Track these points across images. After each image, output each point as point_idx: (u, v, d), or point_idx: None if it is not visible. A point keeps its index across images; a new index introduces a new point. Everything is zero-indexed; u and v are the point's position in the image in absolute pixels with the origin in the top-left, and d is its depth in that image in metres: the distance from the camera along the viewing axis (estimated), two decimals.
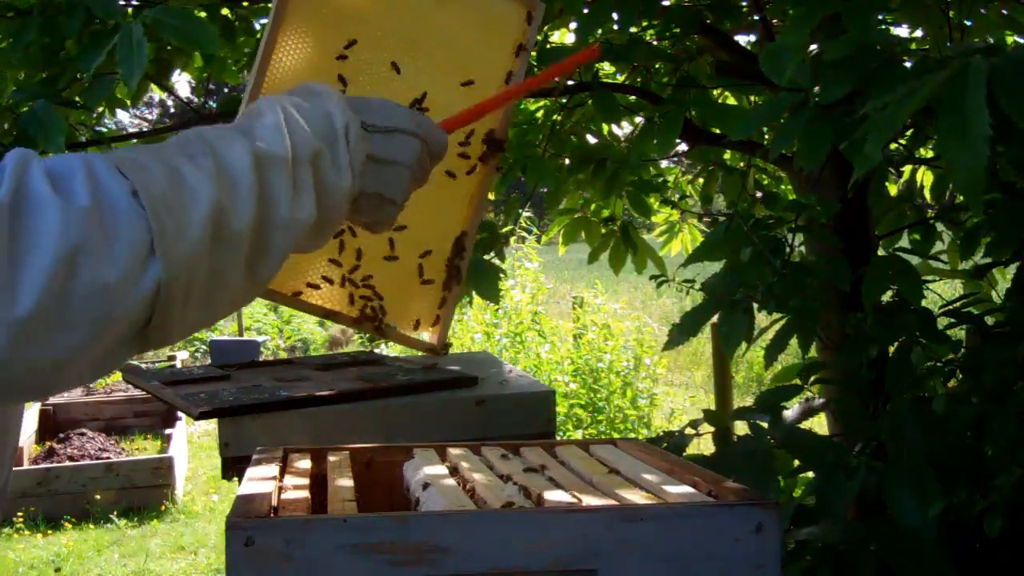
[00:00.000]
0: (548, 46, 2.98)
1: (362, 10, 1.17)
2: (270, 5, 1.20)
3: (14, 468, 5.72)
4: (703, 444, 1.99)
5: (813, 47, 1.71)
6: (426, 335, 1.20)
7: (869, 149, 1.30)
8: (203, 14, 2.59)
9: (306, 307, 1.11)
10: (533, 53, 2.77)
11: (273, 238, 0.82)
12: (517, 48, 1.25)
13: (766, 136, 2.93)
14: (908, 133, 2.20)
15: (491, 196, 3.58)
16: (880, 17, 2.27)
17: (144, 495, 5.67)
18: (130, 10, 1.98)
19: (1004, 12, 2.42)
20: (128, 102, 2.81)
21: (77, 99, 2.13)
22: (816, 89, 1.65)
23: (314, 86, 0.95)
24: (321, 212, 0.87)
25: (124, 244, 0.70)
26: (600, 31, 2.73)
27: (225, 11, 2.69)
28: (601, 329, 6.80)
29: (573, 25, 2.65)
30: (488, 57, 1.23)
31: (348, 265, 1.15)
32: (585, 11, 2.14)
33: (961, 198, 2.47)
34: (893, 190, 2.81)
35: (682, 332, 1.96)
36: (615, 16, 2.03)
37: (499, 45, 1.24)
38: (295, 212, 0.84)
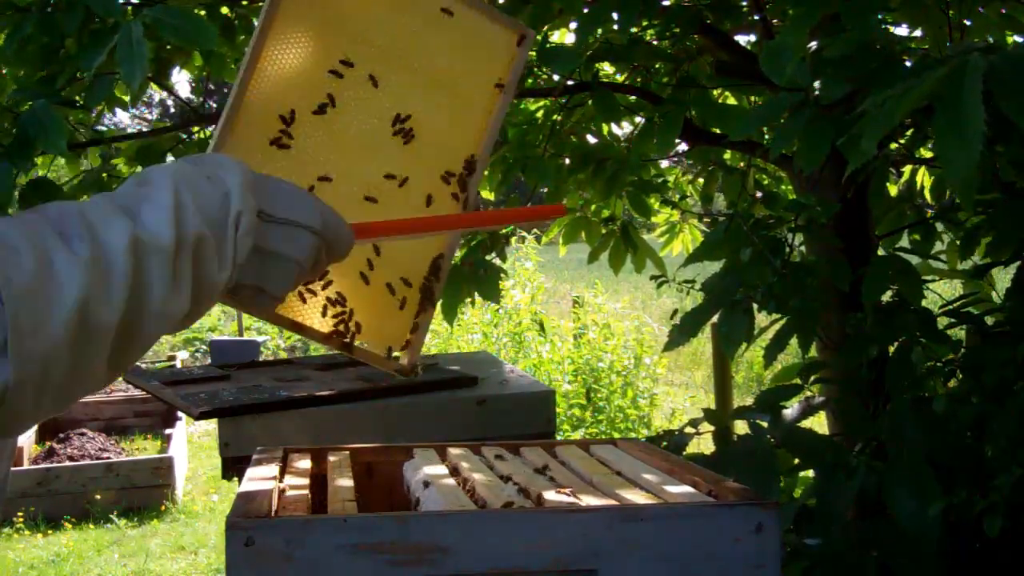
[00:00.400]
0: (548, 45, 2.98)
1: (352, 25, 1.16)
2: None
3: (14, 468, 5.69)
4: (703, 444, 1.99)
5: (813, 44, 1.71)
6: (397, 356, 1.18)
7: (865, 143, 1.30)
8: (202, 12, 2.59)
9: (272, 318, 1.08)
10: (532, 53, 2.78)
11: (141, 330, 0.78)
12: (498, 85, 1.24)
13: (766, 136, 2.92)
14: (908, 133, 2.20)
15: (491, 196, 3.59)
16: (880, 17, 2.27)
17: (144, 495, 5.66)
18: (129, 9, 1.97)
19: (1003, 11, 2.42)
20: (128, 101, 2.81)
21: (77, 99, 2.13)
22: (816, 86, 1.65)
23: (223, 160, 0.89)
24: (195, 303, 0.83)
25: None
26: (600, 31, 2.73)
27: (224, 10, 2.68)
28: (601, 329, 6.80)
29: (573, 25, 2.65)
30: (476, 81, 1.23)
31: (321, 279, 1.13)
32: (585, 11, 2.14)
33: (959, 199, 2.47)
34: (893, 190, 2.81)
35: (682, 333, 1.96)
36: (615, 16, 2.03)
37: (488, 69, 1.23)
38: (168, 305, 0.79)
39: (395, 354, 1.17)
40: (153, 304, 0.78)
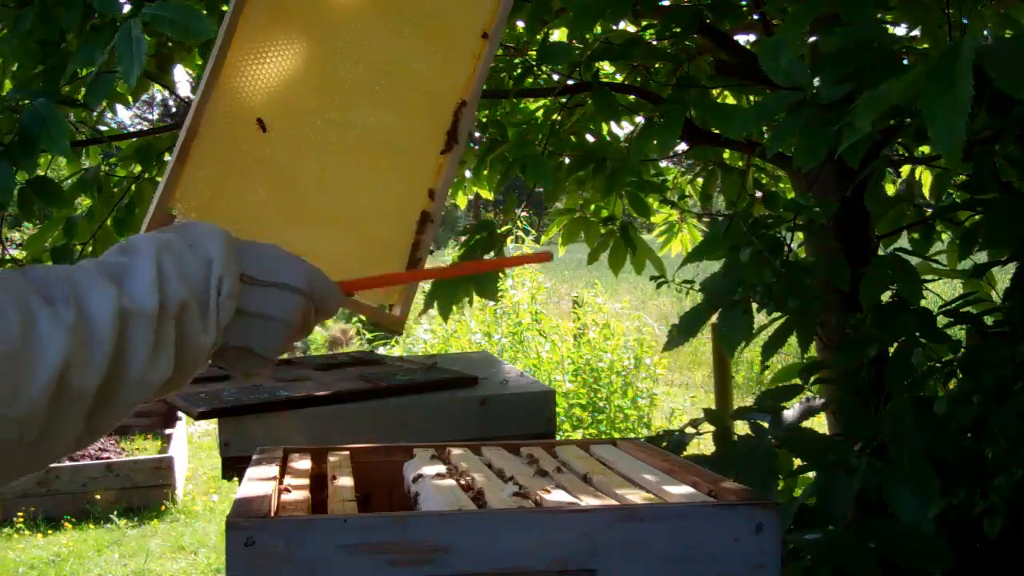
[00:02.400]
0: (548, 44, 2.98)
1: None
2: None
3: None
4: (703, 444, 1.99)
5: (812, 38, 1.71)
6: (389, 307, 1.19)
7: (859, 121, 1.31)
8: (203, 10, 2.59)
9: None
10: (532, 52, 2.78)
11: (120, 395, 0.79)
12: (483, 34, 1.25)
13: (766, 135, 2.93)
14: (908, 133, 2.20)
15: (490, 196, 3.59)
16: (879, 16, 2.27)
17: (144, 495, 5.67)
18: (129, 7, 1.97)
19: (1001, 11, 2.42)
20: (129, 99, 2.81)
21: (79, 98, 2.13)
22: (816, 83, 1.65)
23: (205, 228, 0.90)
24: (178, 368, 0.83)
25: None
26: (599, 29, 2.73)
27: (225, 8, 2.68)
28: (601, 329, 6.80)
29: None
30: (464, 29, 1.24)
31: None
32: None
33: (959, 197, 2.47)
34: (892, 190, 2.81)
35: (682, 333, 1.96)
36: (609, 12, 2.03)
37: (474, 18, 1.25)
38: (149, 372, 0.80)
39: (388, 305, 1.18)
40: (133, 370, 0.79)
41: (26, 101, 1.97)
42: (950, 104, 1.18)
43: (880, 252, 2.38)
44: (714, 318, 1.97)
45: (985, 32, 2.38)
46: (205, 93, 1.08)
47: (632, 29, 2.86)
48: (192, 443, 7.26)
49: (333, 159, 1.17)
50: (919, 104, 1.22)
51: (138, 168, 2.80)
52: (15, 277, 0.76)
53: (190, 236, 0.89)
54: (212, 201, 1.09)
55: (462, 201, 4.00)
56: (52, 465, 5.98)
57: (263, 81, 1.12)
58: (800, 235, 2.10)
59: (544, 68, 2.65)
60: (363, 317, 1.27)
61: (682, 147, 3.03)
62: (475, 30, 1.25)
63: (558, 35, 3.42)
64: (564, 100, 2.86)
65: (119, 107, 2.94)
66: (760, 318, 1.92)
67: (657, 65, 2.96)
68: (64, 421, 0.74)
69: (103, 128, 2.82)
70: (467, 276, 2.43)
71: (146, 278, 0.81)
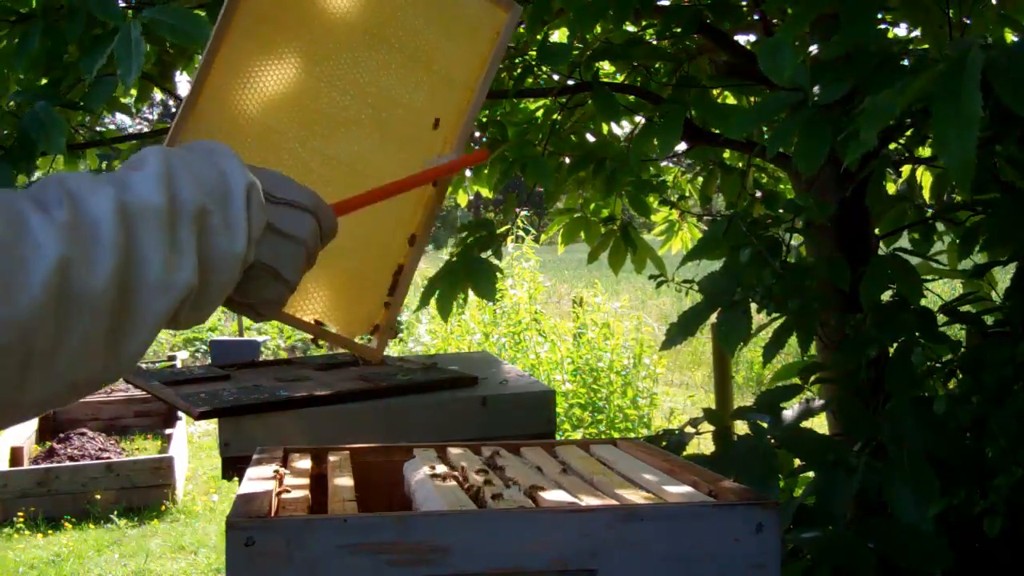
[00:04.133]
0: (548, 44, 2.98)
1: (322, 7, 1.14)
2: None
3: (14, 468, 5.69)
4: (703, 443, 1.99)
5: (813, 48, 1.71)
6: (368, 341, 1.17)
7: (864, 134, 1.31)
8: (203, 14, 2.59)
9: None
10: (532, 52, 2.78)
11: (141, 302, 0.71)
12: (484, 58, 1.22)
13: (766, 134, 2.93)
14: (908, 133, 2.20)
15: (490, 195, 3.59)
16: (879, 16, 2.27)
17: (144, 495, 5.67)
18: (130, 12, 1.97)
19: (1002, 12, 2.42)
20: (133, 108, 2.81)
21: (80, 101, 2.13)
22: (816, 89, 1.65)
23: (212, 144, 0.85)
24: (205, 278, 0.77)
25: None
26: (599, 29, 2.73)
27: None
28: (601, 329, 6.80)
29: None
30: (459, 57, 1.21)
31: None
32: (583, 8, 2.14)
33: (959, 197, 2.47)
34: (892, 189, 2.81)
35: (680, 332, 1.96)
36: (611, 14, 2.03)
37: (470, 44, 1.21)
38: (171, 274, 0.73)
39: (365, 338, 1.16)
40: (151, 272, 0.72)
41: (29, 106, 1.97)
42: (959, 128, 1.18)
43: (880, 252, 2.38)
44: (713, 317, 1.97)
45: (987, 37, 2.38)
46: (182, 116, 1.07)
47: (632, 29, 2.86)
48: (192, 443, 7.26)
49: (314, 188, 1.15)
50: (930, 131, 1.22)
51: None
52: (6, 191, 0.70)
53: (202, 150, 0.84)
54: None
55: (463, 200, 4.00)
56: (52, 465, 5.96)
57: (244, 105, 1.10)
58: (799, 236, 2.10)
59: (544, 68, 2.65)
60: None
61: (682, 147, 3.03)
62: (468, 64, 1.21)
63: (558, 35, 3.43)
64: (564, 100, 2.86)
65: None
66: (759, 318, 1.93)
67: (657, 65, 2.96)
68: (75, 330, 0.67)
69: (100, 130, 2.82)
70: (466, 275, 2.43)
71: (152, 179, 0.75)
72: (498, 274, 2.44)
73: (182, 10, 1.87)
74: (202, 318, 0.80)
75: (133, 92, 2.72)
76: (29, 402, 0.68)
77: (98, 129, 2.82)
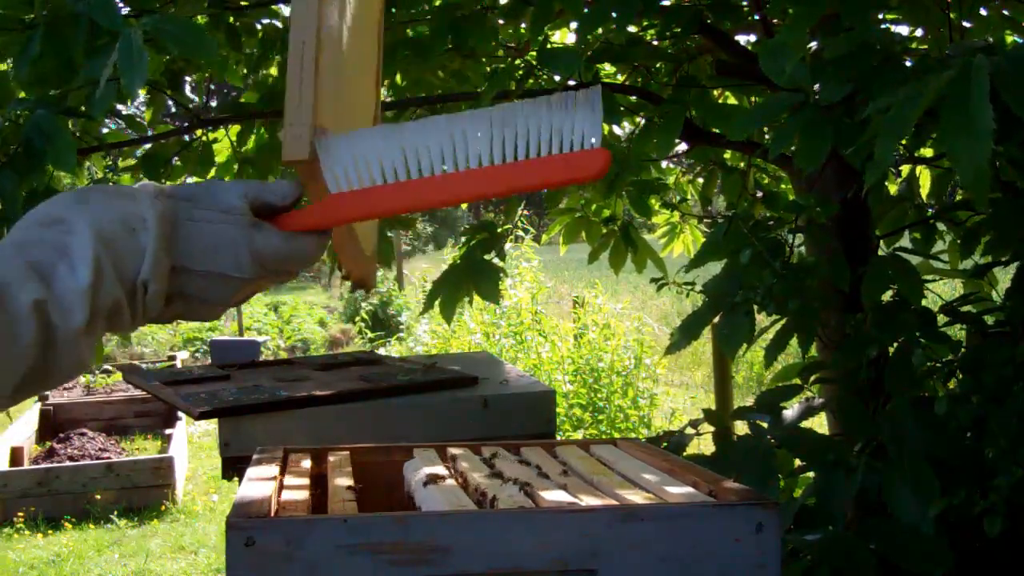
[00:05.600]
0: (549, 46, 2.98)
1: None
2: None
3: (14, 468, 5.70)
4: (703, 444, 1.99)
5: (812, 44, 1.71)
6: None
7: (880, 154, 1.30)
8: (204, 20, 2.59)
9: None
10: (532, 53, 2.78)
11: (51, 377, 0.80)
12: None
13: (766, 135, 2.93)
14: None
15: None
16: (880, 17, 2.27)
17: (144, 495, 5.67)
18: (133, 21, 1.96)
19: (1005, 12, 2.42)
20: (145, 120, 2.80)
21: (82, 108, 2.11)
22: (816, 88, 1.65)
23: (138, 195, 0.85)
24: (47, 355, 0.80)
25: None
26: (600, 30, 2.73)
27: (232, 20, 2.68)
28: (602, 329, 6.80)
29: (574, 24, 2.64)
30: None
31: None
32: (585, 11, 2.14)
33: (961, 197, 2.47)
34: (893, 189, 2.81)
35: (683, 336, 1.95)
36: (614, 15, 2.03)
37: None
38: (77, 364, 0.81)
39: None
40: (63, 366, 0.79)
41: (27, 114, 1.96)
42: (971, 139, 1.18)
43: (881, 252, 2.38)
44: (716, 319, 1.97)
45: (988, 38, 2.38)
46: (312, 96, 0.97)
47: (632, 29, 2.86)
48: (192, 443, 7.26)
49: None
50: (943, 142, 1.21)
51: (144, 179, 2.80)
52: None
53: (124, 207, 0.83)
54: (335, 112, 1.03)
55: None
56: (52, 465, 5.99)
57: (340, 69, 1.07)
58: (801, 235, 2.09)
59: (545, 69, 2.65)
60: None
61: (682, 147, 3.03)
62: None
63: (558, 36, 3.43)
64: None
65: (120, 108, 2.94)
66: (761, 319, 1.92)
67: (657, 65, 2.96)
68: None
69: (103, 130, 2.82)
70: (469, 278, 2.42)
71: (79, 287, 0.79)
72: (500, 276, 2.44)
73: (185, 21, 1.86)
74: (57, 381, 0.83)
75: (141, 95, 2.70)
76: None
77: (103, 131, 2.82)
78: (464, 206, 4.68)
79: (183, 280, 0.86)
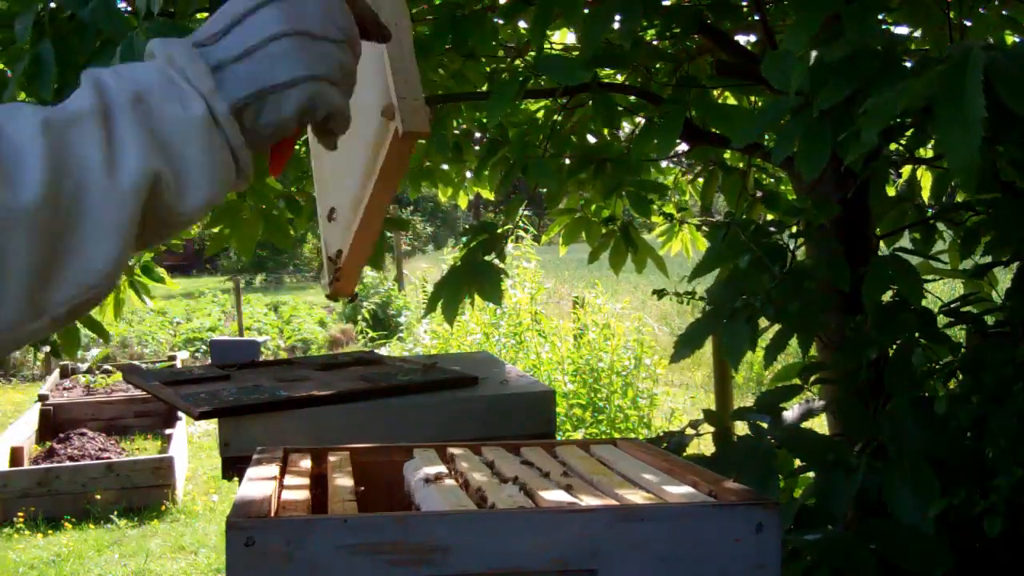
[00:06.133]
0: (547, 49, 2.98)
1: None
2: None
3: (14, 468, 5.70)
4: (703, 444, 1.99)
5: (813, 53, 1.71)
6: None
7: (865, 135, 1.31)
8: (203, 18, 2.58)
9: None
10: (531, 55, 2.77)
11: (90, 209, 0.67)
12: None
13: (767, 136, 2.93)
14: (908, 133, 2.20)
15: (491, 196, 3.59)
16: (881, 17, 2.27)
17: (144, 495, 5.67)
18: (134, 21, 1.96)
19: (1004, 13, 2.42)
20: None
21: None
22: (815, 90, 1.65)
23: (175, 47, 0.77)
24: (171, 156, 0.71)
25: None
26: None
27: None
28: (602, 329, 6.80)
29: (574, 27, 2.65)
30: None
31: None
32: (587, 12, 2.14)
33: (961, 197, 2.47)
34: (892, 190, 2.82)
35: (687, 345, 1.95)
36: (617, 18, 2.03)
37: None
38: (113, 173, 0.67)
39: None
40: (92, 177, 0.67)
41: None
42: (963, 130, 1.18)
43: (881, 252, 2.38)
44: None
45: (989, 38, 2.38)
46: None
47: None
48: (192, 443, 7.26)
49: None
50: (935, 133, 1.22)
51: None
52: None
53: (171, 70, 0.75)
54: None
55: (463, 202, 4.00)
56: (52, 465, 5.98)
57: None
58: (800, 239, 2.09)
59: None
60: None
61: (683, 147, 3.03)
62: None
63: (558, 36, 3.43)
64: (564, 101, 2.85)
65: None
66: (763, 320, 1.92)
67: (657, 65, 2.96)
68: (14, 254, 0.63)
69: None
70: (470, 280, 2.42)
71: (79, 91, 0.70)
72: (502, 277, 2.44)
73: (188, 28, 1.86)
74: (203, 197, 0.73)
75: None
76: None
77: None
78: (464, 206, 4.66)
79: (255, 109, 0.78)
